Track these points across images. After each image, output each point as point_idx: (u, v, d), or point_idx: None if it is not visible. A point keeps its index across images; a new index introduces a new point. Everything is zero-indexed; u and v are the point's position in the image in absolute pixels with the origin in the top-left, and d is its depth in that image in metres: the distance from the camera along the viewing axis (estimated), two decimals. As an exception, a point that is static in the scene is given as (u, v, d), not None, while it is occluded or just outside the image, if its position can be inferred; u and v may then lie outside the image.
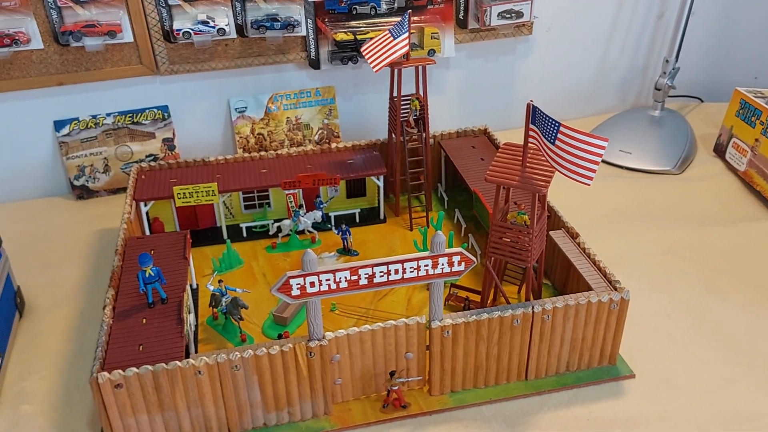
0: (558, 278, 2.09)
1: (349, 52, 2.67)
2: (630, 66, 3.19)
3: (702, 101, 3.30)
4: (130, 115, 2.70)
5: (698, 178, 2.74)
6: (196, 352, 1.95)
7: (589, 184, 1.55)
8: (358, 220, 2.49)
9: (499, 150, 1.76)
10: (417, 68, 2.34)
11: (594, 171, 1.53)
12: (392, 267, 1.58)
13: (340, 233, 2.32)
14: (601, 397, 1.80)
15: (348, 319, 2.05)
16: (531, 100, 1.62)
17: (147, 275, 1.79)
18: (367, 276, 1.58)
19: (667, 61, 2.88)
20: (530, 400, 1.80)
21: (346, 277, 1.57)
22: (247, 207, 2.47)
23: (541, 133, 1.60)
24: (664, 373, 1.86)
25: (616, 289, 1.80)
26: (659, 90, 2.92)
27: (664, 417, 1.73)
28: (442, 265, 1.60)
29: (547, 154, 1.61)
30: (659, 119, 2.96)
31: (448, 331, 1.70)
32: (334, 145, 2.54)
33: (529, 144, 1.68)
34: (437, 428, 1.73)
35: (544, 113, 1.57)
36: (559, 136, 1.55)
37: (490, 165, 1.73)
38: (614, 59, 3.15)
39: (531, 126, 1.64)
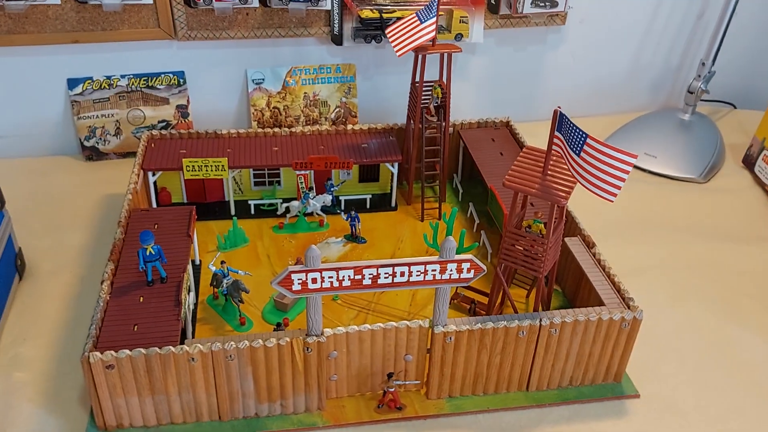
0: (569, 286, 2.02)
1: (373, 31, 2.57)
2: (663, 65, 3.06)
3: (735, 107, 3.17)
4: (145, 78, 2.64)
5: (724, 189, 2.64)
6: (194, 330, 1.91)
7: (612, 201, 1.47)
8: (368, 206, 2.42)
9: (521, 154, 1.68)
10: (442, 54, 2.24)
11: (619, 188, 1.45)
12: (398, 269, 1.52)
13: (349, 219, 2.25)
14: (603, 415, 1.74)
15: (349, 310, 2.00)
16: (559, 107, 1.53)
17: (148, 253, 1.74)
18: (371, 276, 1.52)
19: (703, 63, 2.76)
20: (529, 412, 1.75)
21: (349, 276, 1.52)
22: (257, 183, 2.41)
23: (567, 142, 1.52)
24: (671, 396, 1.79)
25: (629, 307, 1.73)
26: (692, 93, 2.81)
27: (666, 443, 1.68)
28: (451, 271, 1.54)
29: (570, 164, 1.53)
30: (689, 123, 2.85)
31: (450, 337, 1.65)
32: (350, 126, 2.47)
33: (553, 151, 1.60)
34: (431, 434, 1.69)
35: (571, 122, 1.49)
36: (585, 147, 1.47)
37: (510, 169, 1.65)
38: (648, 57, 3.03)
39: (556, 133, 1.56)
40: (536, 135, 2.53)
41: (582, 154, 1.48)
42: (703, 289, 2.15)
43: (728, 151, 2.84)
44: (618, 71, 3.03)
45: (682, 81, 3.10)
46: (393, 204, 2.44)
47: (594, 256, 1.92)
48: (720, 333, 1.99)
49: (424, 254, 2.21)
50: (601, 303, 1.78)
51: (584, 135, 1.46)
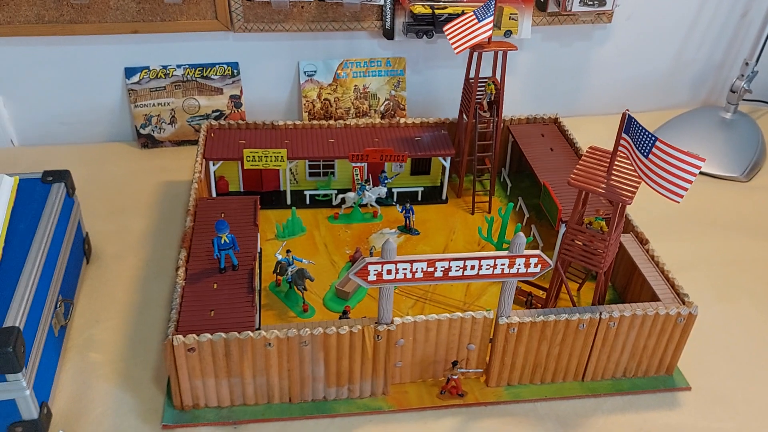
0: (619, 280, 2.08)
1: (425, 26, 2.62)
2: (706, 62, 3.10)
3: (776, 107, 3.21)
4: (200, 68, 2.70)
5: (766, 187, 2.68)
6: (260, 317, 1.99)
7: (678, 202, 1.53)
8: (420, 199, 2.49)
9: (585, 154, 1.74)
10: (496, 52, 2.30)
11: (686, 189, 1.51)
12: (469, 263, 1.59)
13: (404, 212, 2.32)
14: (656, 406, 1.81)
15: (406, 299, 2.07)
16: (627, 110, 1.59)
17: (222, 242, 1.82)
18: (443, 269, 1.59)
19: (746, 63, 2.79)
20: (585, 401, 1.82)
21: (422, 268, 1.59)
22: (311, 174, 2.48)
23: (634, 144, 1.57)
24: (721, 389, 1.86)
25: (684, 303, 1.80)
26: (734, 92, 2.84)
27: (716, 434, 1.75)
28: (519, 265, 1.61)
29: (637, 165, 1.59)
30: (730, 122, 2.89)
31: (513, 328, 1.72)
32: (402, 120, 2.53)
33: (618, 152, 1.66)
34: (491, 421, 1.76)
35: (640, 125, 1.54)
36: (654, 150, 1.52)
37: (575, 168, 1.71)
38: (691, 54, 3.06)
39: (623, 135, 1.61)
40: (578, 130, 2.59)
41: (650, 156, 1.53)
42: (749, 285, 2.21)
43: (769, 150, 2.89)
44: (661, 68, 3.07)
45: (724, 79, 3.14)
46: (443, 196, 2.50)
47: (647, 252, 1.98)
48: (766, 328, 2.05)
49: (476, 246, 2.28)
50: (655, 298, 1.84)
51: (653, 138, 1.52)
